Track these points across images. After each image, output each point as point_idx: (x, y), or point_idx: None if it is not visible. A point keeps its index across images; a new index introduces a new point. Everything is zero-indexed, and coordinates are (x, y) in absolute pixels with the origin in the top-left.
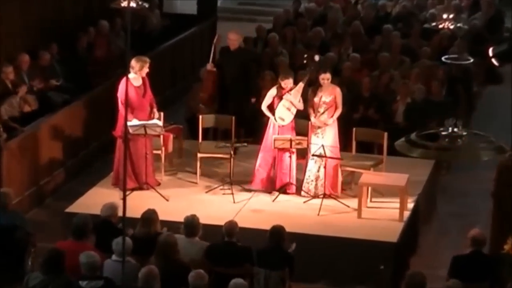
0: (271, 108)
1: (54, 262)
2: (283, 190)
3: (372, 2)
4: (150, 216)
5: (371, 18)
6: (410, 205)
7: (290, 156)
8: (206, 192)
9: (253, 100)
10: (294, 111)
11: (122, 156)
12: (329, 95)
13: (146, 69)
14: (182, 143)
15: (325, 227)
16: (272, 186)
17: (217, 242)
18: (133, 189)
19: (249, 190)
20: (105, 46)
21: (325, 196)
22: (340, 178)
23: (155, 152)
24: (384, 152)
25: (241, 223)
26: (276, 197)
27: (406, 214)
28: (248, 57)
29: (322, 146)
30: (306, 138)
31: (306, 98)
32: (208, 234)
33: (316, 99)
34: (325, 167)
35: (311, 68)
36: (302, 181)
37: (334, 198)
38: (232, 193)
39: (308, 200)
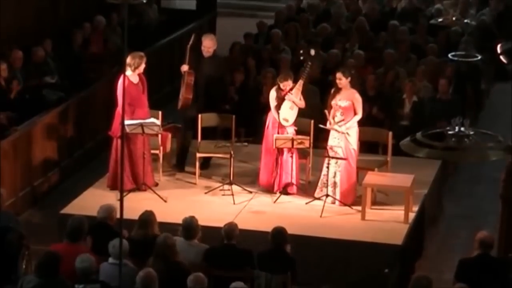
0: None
1: (50, 265)
2: (285, 191)
3: None
4: (147, 218)
5: (376, 14)
6: (416, 206)
7: (291, 156)
8: (206, 193)
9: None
10: (296, 110)
11: (118, 156)
12: (346, 100)
13: (143, 66)
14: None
15: (327, 229)
16: (275, 186)
17: (216, 245)
18: (130, 191)
19: (250, 191)
20: (101, 42)
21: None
22: (355, 187)
23: (152, 151)
24: (389, 152)
25: (242, 225)
26: (278, 198)
27: (412, 216)
28: (221, 67)
29: (339, 149)
30: (308, 137)
31: (305, 98)
32: (207, 237)
33: (333, 102)
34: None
35: (309, 63)
36: (316, 181)
37: (349, 206)
38: (232, 194)
39: (310, 202)
